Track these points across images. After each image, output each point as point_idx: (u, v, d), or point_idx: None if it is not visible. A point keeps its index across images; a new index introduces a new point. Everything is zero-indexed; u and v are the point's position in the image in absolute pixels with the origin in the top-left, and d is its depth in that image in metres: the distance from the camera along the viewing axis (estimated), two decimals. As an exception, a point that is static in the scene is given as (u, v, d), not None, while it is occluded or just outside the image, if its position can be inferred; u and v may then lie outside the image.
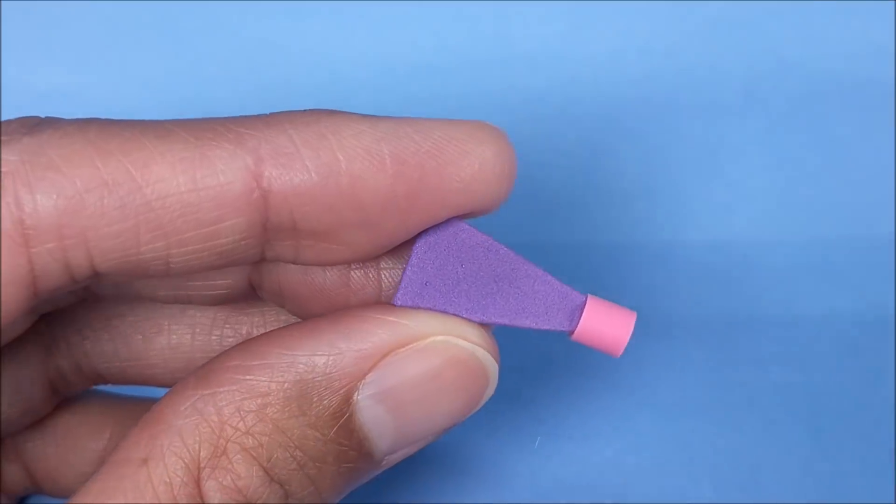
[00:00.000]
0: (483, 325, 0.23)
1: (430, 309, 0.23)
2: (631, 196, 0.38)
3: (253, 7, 0.41)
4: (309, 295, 0.25)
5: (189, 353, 0.28)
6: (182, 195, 0.20)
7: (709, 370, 0.35)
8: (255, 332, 0.27)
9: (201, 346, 0.28)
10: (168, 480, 0.20)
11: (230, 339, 0.27)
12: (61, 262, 0.20)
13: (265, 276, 0.25)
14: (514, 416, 0.35)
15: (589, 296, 0.24)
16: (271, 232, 0.21)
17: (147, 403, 0.28)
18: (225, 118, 0.21)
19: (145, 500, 0.20)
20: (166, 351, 0.28)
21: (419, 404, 0.22)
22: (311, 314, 0.25)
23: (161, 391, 0.23)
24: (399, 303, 0.23)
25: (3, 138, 0.20)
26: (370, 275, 0.24)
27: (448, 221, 0.23)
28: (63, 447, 0.29)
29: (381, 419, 0.22)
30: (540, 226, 0.38)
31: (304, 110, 0.22)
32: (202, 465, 0.20)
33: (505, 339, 0.36)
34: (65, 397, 0.29)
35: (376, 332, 0.21)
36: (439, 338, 0.22)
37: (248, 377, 0.21)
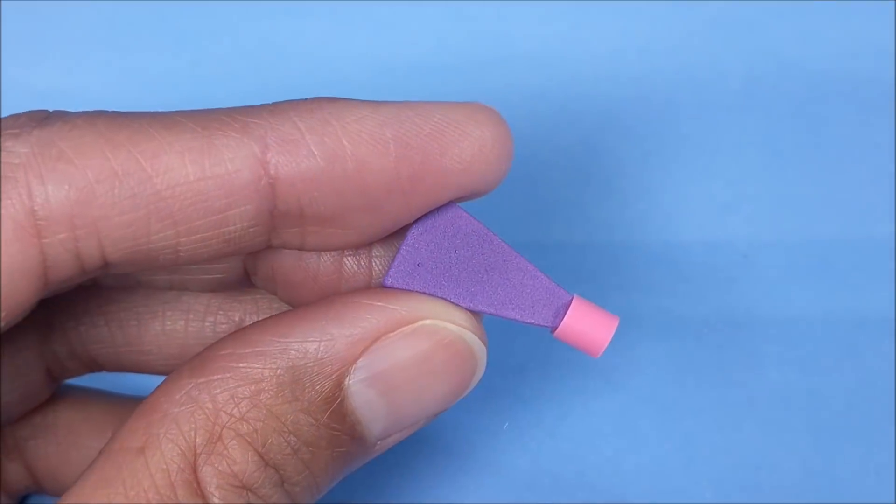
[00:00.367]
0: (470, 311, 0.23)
1: (419, 291, 0.23)
2: (630, 195, 0.38)
3: (253, 7, 0.41)
4: (301, 281, 0.25)
5: (183, 340, 0.28)
6: (191, 184, 0.20)
7: (708, 370, 0.35)
8: (248, 320, 0.28)
9: (195, 333, 0.28)
10: (165, 467, 0.20)
11: (223, 326, 0.28)
12: (72, 253, 0.20)
13: (260, 262, 0.25)
14: (514, 416, 0.35)
15: (575, 296, 0.24)
16: (279, 219, 0.22)
17: (147, 399, 0.28)
18: (230, 108, 0.22)
19: (143, 488, 0.20)
20: (161, 337, 0.28)
21: (409, 388, 0.22)
22: (302, 301, 0.25)
23: (156, 380, 0.24)
24: (389, 282, 0.23)
25: (13, 131, 0.20)
26: (362, 262, 0.25)
27: (445, 206, 0.23)
28: (64, 445, 0.29)
29: (372, 403, 0.22)
30: (539, 225, 0.38)
31: (307, 98, 0.22)
32: (198, 451, 0.20)
33: (506, 339, 0.36)
34: (61, 383, 0.29)
35: (367, 318, 0.22)
36: (428, 321, 0.22)
37: (241, 364, 0.21)
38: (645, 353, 0.35)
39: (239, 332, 0.22)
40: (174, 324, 0.28)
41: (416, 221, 0.23)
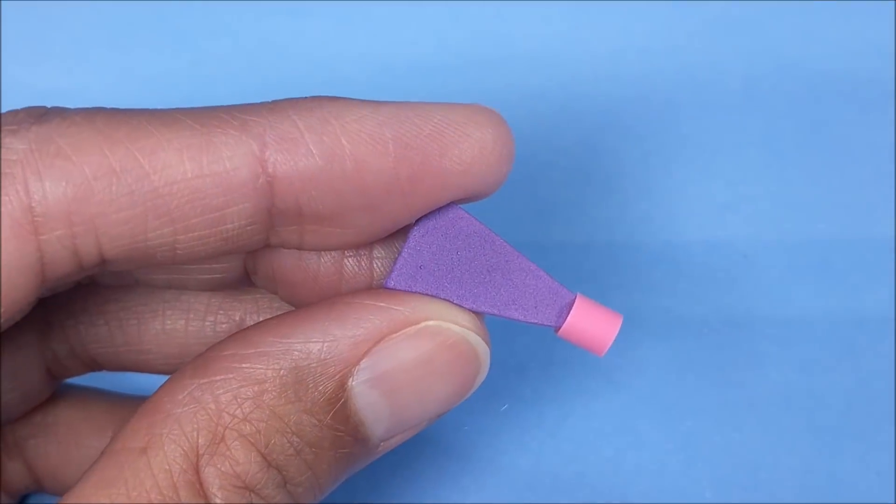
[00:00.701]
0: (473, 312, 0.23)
1: (421, 293, 0.23)
2: (631, 195, 0.38)
3: (253, 6, 0.41)
4: (302, 281, 0.25)
5: (183, 339, 0.28)
6: (189, 181, 0.20)
7: (708, 370, 0.35)
8: (249, 320, 0.28)
9: (195, 332, 0.28)
10: (167, 468, 0.20)
11: (224, 325, 0.28)
12: (70, 250, 0.20)
13: (260, 261, 0.25)
14: (515, 416, 0.35)
15: (578, 294, 0.24)
16: (277, 217, 0.22)
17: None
18: (229, 106, 0.22)
19: (145, 488, 0.20)
20: (161, 336, 0.28)
21: (413, 389, 0.22)
22: (303, 301, 0.25)
23: (156, 379, 0.23)
24: (392, 284, 0.23)
25: (11, 128, 0.20)
26: (363, 263, 0.25)
27: (447, 207, 0.23)
28: (65, 445, 0.29)
29: (375, 404, 0.22)
30: (540, 225, 0.38)
31: (307, 97, 0.22)
32: (201, 452, 0.20)
33: (507, 339, 0.36)
34: (62, 382, 0.29)
35: (370, 318, 0.21)
36: (432, 322, 0.22)
37: (244, 365, 0.21)
38: (645, 353, 0.35)
39: (241, 333, 0.22)
40: (174, 323, 0.28)
41: (416, 223, 0.23)
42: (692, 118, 0.39)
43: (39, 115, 0.21)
